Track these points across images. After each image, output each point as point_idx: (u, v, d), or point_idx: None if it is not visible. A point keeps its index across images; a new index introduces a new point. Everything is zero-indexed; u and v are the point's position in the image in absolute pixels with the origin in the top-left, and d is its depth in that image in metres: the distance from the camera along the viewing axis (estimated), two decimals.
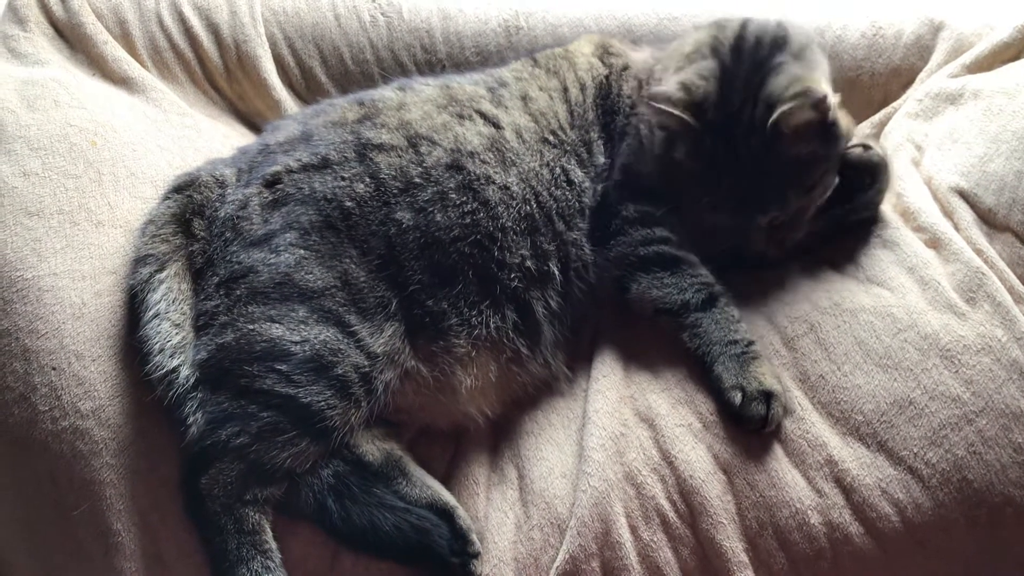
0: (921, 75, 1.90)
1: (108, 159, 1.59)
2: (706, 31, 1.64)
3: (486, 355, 1.48)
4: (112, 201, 1.55)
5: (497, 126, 1.58)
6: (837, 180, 1.59)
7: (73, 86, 1.69)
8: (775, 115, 1.42)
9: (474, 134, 1.55)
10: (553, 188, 1.57)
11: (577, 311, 1.59)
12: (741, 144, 1.47)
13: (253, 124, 2.01)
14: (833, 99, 1.49)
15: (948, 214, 1.60)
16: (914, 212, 1.62)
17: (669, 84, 1.53)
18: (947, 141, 1.69)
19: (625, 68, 1.73)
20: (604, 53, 1.77)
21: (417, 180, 1.48)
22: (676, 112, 1.48)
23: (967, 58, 1.81)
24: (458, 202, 1.48)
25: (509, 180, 1.52)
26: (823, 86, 1.47)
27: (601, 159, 1.64)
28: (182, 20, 1.96)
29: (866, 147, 1.60)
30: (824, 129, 1.49)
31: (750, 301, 1.57)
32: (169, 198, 1.51)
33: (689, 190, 1.54)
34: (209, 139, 1.84)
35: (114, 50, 1.86)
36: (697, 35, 1.65)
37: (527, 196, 1.53)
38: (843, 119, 1.55)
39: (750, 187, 1.48)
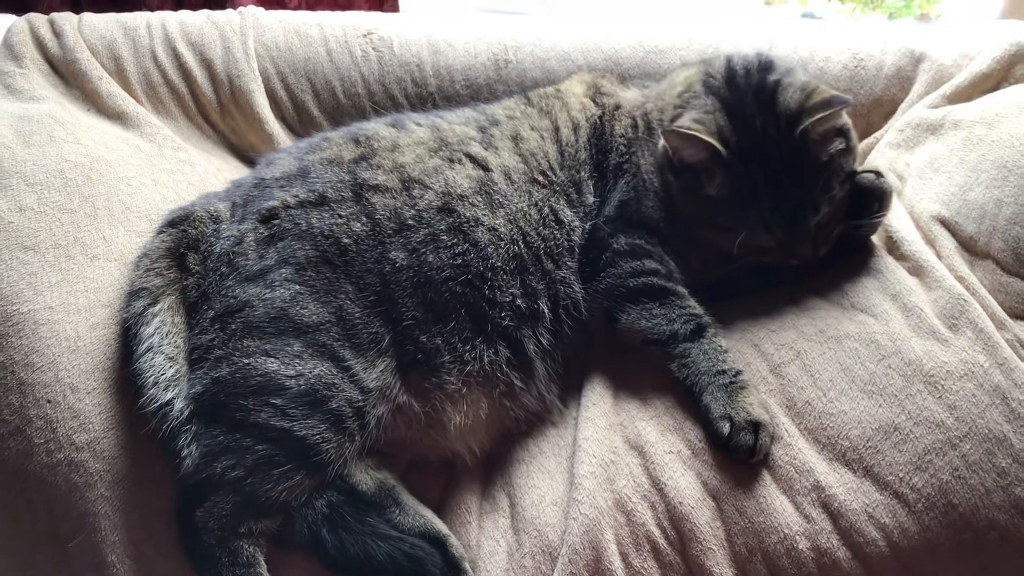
0: (902, 106, 1.94)
1: (103, 193, 1.61)
2: (695, 68, 1.70)
3: (478, 392, 1.49)
4: (107, 235, 1.56)
5: (486, 168, 1.60)
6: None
7: (68, 122, 1.72)
8: (807, 123, 1.48)
9: (463, 177, 1.57)
10: (541, 228, 1.58)
11: (568, 347, 1.60)
12: (773, 160, 1.50)
13: (246, 157, 2.03)
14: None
15: (930, 242, 1.63)
16: (897, 240, 1.64)
17: (683, 122, 1.57)
18: (928, 170, 1.72)
19: (617, 107, 1.76)
20: (596, 93, 1.80)
21: (410, 222, 1.50)
22: (705, 137, 1.51)
23: (947, 89, 1.85)
24: (449, 243, 1.49)
25: (497, 222, 1.54)
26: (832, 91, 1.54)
27: (590, 199, 1.66)
28: (176, 56, 1.99)
29: (878, 174, 1.63)
30: (842, 128, 1.56)
31: (737, 328, 1.59)
32: (163, 232, 1.52)
33: (730, 227, 1.54)
34: (203, 173, 1.86)
35: (109, 85, 1.89)
36: (686, 72, 1.70)
37: (515, 237, 1.55)
38: (849, 121, 1.61)
39: (795, 194, 1.50)
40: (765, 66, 1.61)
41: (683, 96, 1.64)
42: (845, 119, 1.57)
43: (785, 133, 1.50)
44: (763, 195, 1.51)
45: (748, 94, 1.56)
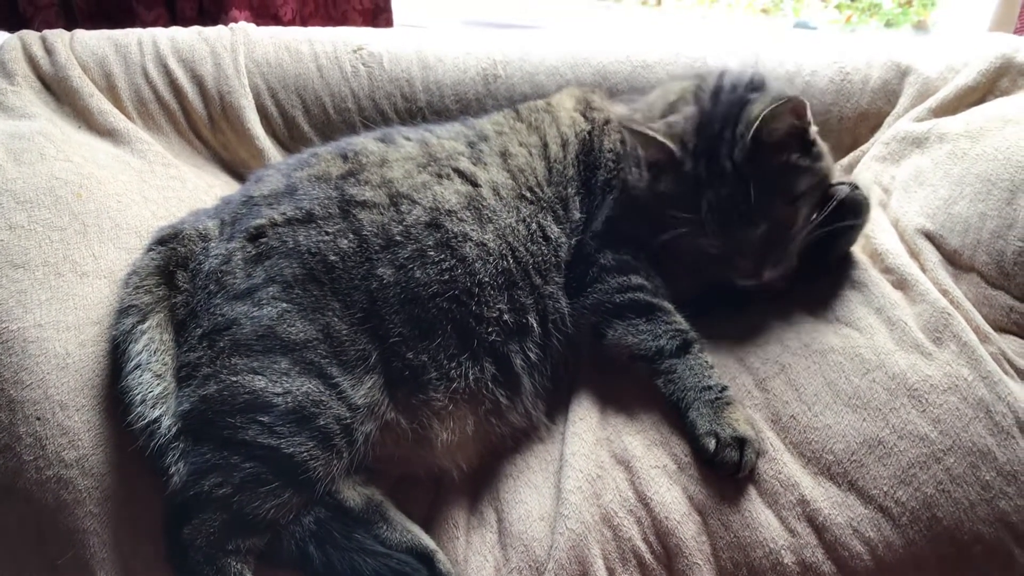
0: (888, 119, 1.95)
1: (93, 211, 1.61)
2: (690, 81, 1.70)
3: (464, 408, 1.49)
4: (97, 252, 1.57)
5: (475, 184, 1.60)
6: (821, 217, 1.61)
7: (59, 139, 1.72)
8: (758, 120, 1.46)
9: (452, 192, 1.57)
10: (529, 244, 1.59)
11: (556, 362, 1.60)
12: (724, 160, 1.50)
13: (237, 173, 2.04)
14: (813, 124, 1.56)
15: (915, 255, 1.64)
16: (882, 253, 1.65)
17: (656, 125, 1.59)
18: (913, 184, 1.73)
19: (607, 122, 1.76)
20: (586, 108, 1.81)
21: (398, 238, 1.50)
22: (658, 137, 1.53)
23: (932, 102, 1.86)
24: (437, 259, 1.49)
25: (485, 237, 1.54)
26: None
27: (577, 215, 1.67)
28: (167, 72, 2.00)
29: (853, 187, 1.63)
30: (805, 141, 1.54)
31: (722, 342, 1.60)
32: (153, 250, 1.53)
33: (675, 223, 1.54)
34: (193, 189, 1.87)
35: (100, 102, 1.90)
36: (682, 84, 1.71)
37: (503, 252, 1.55)
38: (823, 146, 1.59)
39: (736, 202, 1.49)
40: (754, 86, 1.61)
41: (673, 104, 1.65)
42: (814, 136, 1.56)
43: (741, 136, 1.50)
44: (704, 193, 1.51)
45: (723, 107, 1.57)
